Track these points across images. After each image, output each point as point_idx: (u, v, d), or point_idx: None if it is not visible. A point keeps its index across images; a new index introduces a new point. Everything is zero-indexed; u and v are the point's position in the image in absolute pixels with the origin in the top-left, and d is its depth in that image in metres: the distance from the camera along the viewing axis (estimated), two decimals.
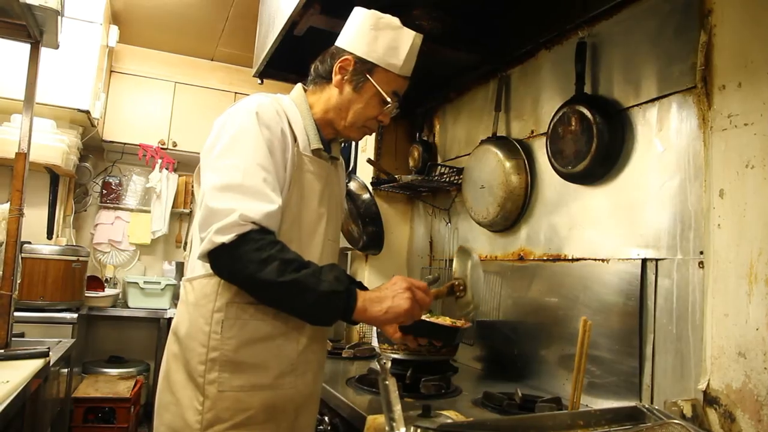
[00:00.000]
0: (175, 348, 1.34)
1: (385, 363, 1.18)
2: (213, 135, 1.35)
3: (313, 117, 1.44)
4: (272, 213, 1.23)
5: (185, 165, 4.61)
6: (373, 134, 2.85)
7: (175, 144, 4.38)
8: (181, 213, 4.73)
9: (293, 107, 1.42)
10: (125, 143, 4.32)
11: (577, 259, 1.83)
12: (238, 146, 1.28)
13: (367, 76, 1.39)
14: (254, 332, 1.30)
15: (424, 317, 1.55)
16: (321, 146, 1.41)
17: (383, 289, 1.30)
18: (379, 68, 1.39)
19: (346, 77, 1.40)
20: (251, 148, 1.27)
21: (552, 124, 1.88)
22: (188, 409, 1.27)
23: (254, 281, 1.22)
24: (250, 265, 1.19)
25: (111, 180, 4.56)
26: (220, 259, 1.22)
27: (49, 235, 3.87)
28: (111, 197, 4.54)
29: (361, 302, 1.25)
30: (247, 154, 1.26)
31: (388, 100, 1.40)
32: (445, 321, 1.65)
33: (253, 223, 1.19)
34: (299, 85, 1.49)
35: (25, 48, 2.29)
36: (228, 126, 1.31)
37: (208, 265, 1.26)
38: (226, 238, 1.18)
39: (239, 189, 1.22)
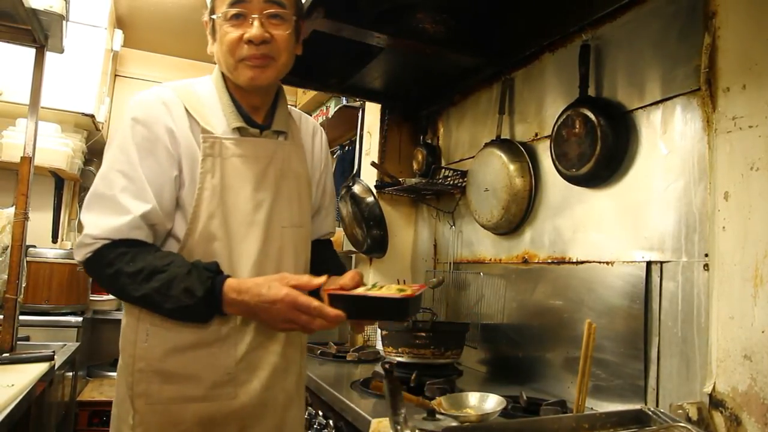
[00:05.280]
0: (120, 360, 1.30)
1: (389, 366, 1.18)
2: None
3: (231, 92, 1.36)
4: (124, 225, 1.19)
5: None
6: (377, 138, 2.87)
7: None
8: None
9: (208, 90, 1.36)
10: None
11: (582, 262, 1.83)
12: (109, 152, 1.26)
13: (212, 18, 1.33)
14: (180, 339, 1.23)
15: (362, 291, 1.23)
16: (242, 123, 1.32)
17: (260, 300, 1.14)
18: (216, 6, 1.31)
19: (209, 35, 1.37)
20: (116, 155, 1.24)
21: (556, 126, 1.88)
22: (123, 424, 1.24)
23: (116, 294, 1.25)
24: (103, 280, 1.22)
25: None
26: (87, 273, 1.25)
27: (54, 239, 3.88)
28: None
29: (231, 304, 1.17)
30: (112, 161, 1.24)
31: (219, 14, 1.29)
32: (390, 291, 1.21)
33: (104, 239, 1.19)
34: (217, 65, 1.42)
35: (30, 52, 2.30)
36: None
37: None
38: (80, 257, 1.21)
39: (97, 200, 1.22)
